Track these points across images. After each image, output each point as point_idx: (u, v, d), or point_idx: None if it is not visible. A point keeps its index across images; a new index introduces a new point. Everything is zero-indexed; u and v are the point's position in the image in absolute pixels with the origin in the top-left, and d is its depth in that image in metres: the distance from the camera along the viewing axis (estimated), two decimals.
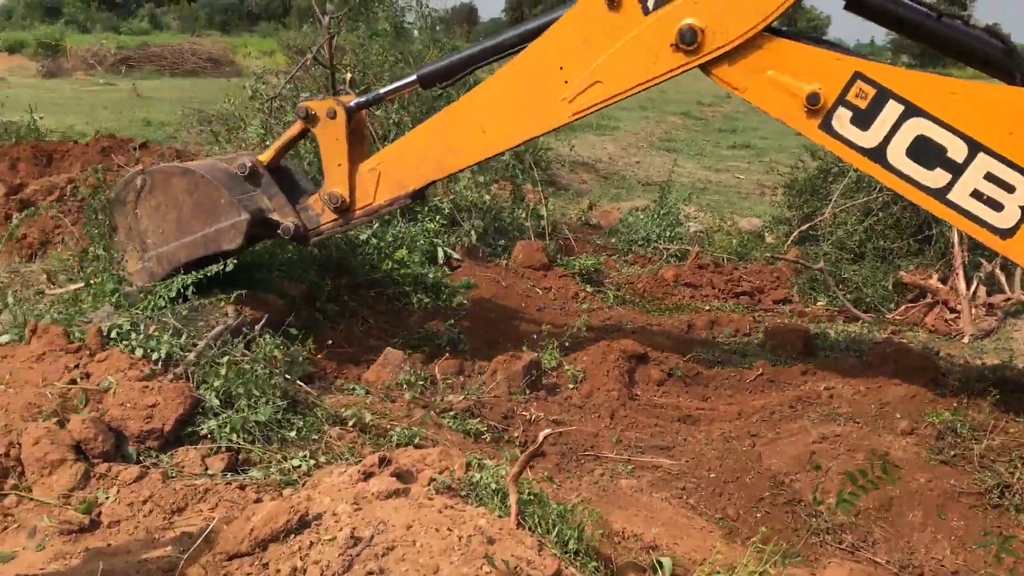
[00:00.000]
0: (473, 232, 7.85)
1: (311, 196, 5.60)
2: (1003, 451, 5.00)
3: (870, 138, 4.62)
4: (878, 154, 4.64)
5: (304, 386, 4.59)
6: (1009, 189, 4.43)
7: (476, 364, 6.00)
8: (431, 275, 6.86)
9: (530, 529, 3.18)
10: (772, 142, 20.33)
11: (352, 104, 5.41)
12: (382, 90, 5.57)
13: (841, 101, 4.60)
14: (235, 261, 5.19)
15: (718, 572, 3.16)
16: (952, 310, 7.70)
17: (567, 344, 6.29)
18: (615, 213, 11.31)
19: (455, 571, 2.72)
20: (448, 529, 2.97)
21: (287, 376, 4.45)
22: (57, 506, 3.44)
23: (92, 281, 5.33)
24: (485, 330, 6.63)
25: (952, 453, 5.05)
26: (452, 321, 6.46)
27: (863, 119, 4.60)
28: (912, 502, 4.70)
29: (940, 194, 4.57)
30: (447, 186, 8.34)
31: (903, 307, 7.91)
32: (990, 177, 4.45)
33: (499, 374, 5.69)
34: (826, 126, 4.67)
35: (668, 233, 9.61)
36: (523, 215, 8.92)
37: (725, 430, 5.53)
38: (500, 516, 3.24)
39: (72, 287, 5.81)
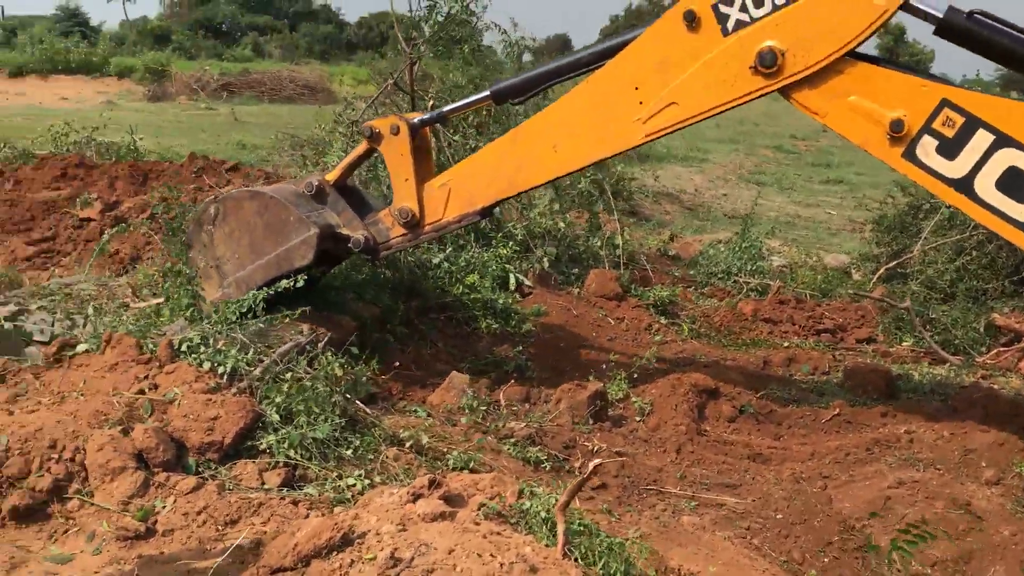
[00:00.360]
0: (546, 259, 7.82)
1: (381, 211, 5.65)
2: None
3: (957, 168, 4.41)
4: (965, 185, 4.42)
5: (362, 406, 4.60)
6: None
7: (542, 392, 5.95)
8: (501, 301, 6.84)
9: (576, 560, 3.10)
10: (867, 178, 19.80)
11: (416, 121, 5.45)
12: (446, 108, 5.63)
13: (927, 129, 4.41)
14: (305, 277, 5.25)
15: None
16: None
17: (636, 375, 6.18)
18: (696, 245, 11.15)
19: None
20: (491, 555, 2.92)
21: (347, 395, 4.47)
22: (116, 512, 3.52)
23: (170, 296, 5.48)
24: (553, 358, 6.58)
25: None
26: (520, 348, 6.43)
27: (950, 148, 4.39)
28: (994, 556, 4.46)
29: None
30: (521, 212, 8.35)
31: (995, 351, 7.54)
32: None
33: (563, 403, 5.62)
34: (910, 155, 4.49)
35: (749, 267, 9.40)
36: (598, 243, 8.85)
37: (796, 470, 5.34)
38: (547, 545, 3.18)
39: (154, 301, 5.99)
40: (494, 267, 7.01)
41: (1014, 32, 4.38)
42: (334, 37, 66.91)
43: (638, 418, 5.77)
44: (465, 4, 7.38)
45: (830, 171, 21.76)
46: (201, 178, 10.85)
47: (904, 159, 4.51)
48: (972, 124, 4.33)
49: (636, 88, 4.87)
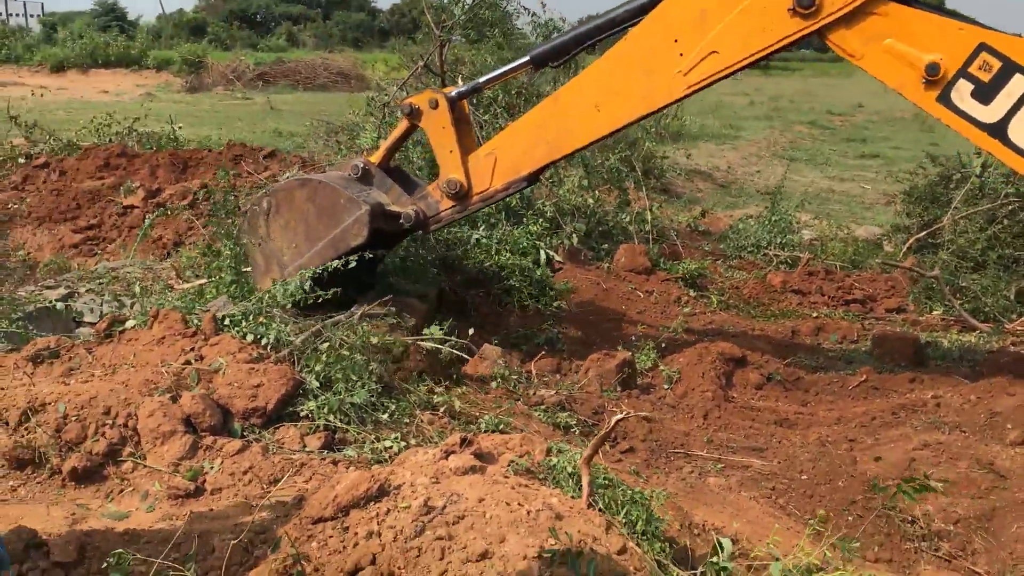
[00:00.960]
0: (575, 235, 7.95)
1: (429, 186, 5.74)
2: None
3: (991, 113, 4.47)
4: (999, 130, 4.47)
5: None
6: None
7: (573, 363, 6.11)
8: (537, 273, 6.92)
9: (600, 510, 3.26)
10: (903, 152, 19.61)
11: (453, 93, 5.52)
12: (482, 79, 5.68)
13: (963, 73, 4.46)
14: (355, 259, 5.32)
15: (776, 553, 3.15)
16: None
17: (664, 345, 6.32)
18: (727, 221, 11.22)
19: (520, 541, 2.84)
20: (519, 504, 3.09)
21: (383, 362, 4.66)
22: (167, 473, 3.73)
23: (213, 275, 5.71)
24: (584, 331, 6.73)
25: None
26: (551, 321, 6.59)
27: (985, 93, 4.45)
28: (1017, 512, 4.53)
29: None
30: (551, 189, 8.48)
31: None
32: None
33: (592, 371, 5.78)
34: (944, 99, 4.54)
35: (779, 240, 9.47)
36: (627, 219, 8.97)
37: (822, 434, 5.45)
38: (573, 497, 3.34)
39: (198, 282, 6.23)
40: (524, 243, 7.15)
41: None
42: (367, 25, 67.21)
43: (666, 386, 5.92)
44: None
45: (865, 146, 21.56)
46: (239, 164, 11.11)
47: (939, 103, 4.55)
48: (1009, 69, 4.37)
49: (675, 40, 4.90)
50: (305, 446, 4.05)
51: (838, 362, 6.61)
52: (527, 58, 5.49)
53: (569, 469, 3.59)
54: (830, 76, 60.62)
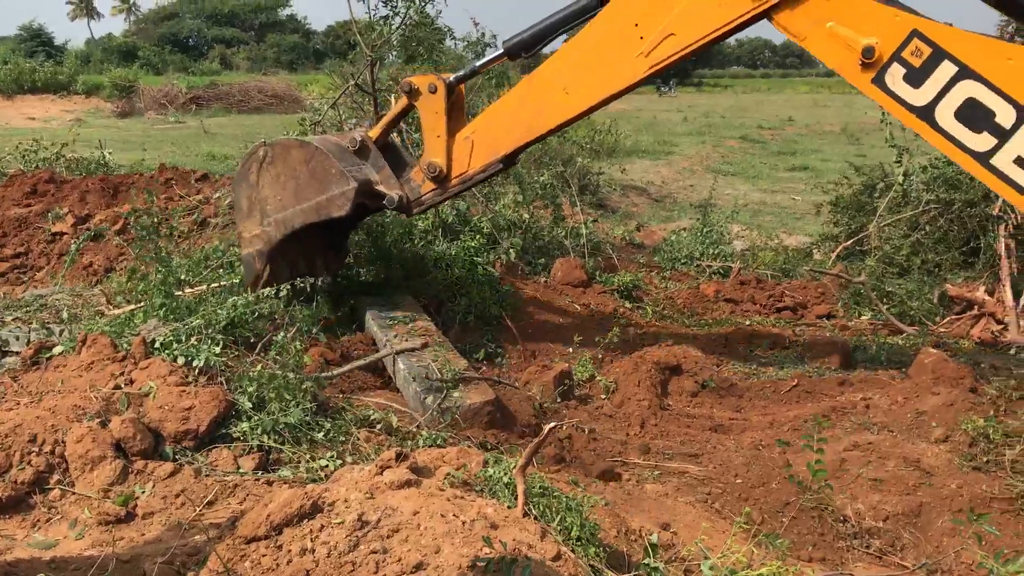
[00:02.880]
0: (512, 250, 8.00)
1: (413, 169, 6.01)
2: None
3: (921, 96, 4.66)
4: (927, 113, 4.67)
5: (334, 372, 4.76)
6: None
7: (512, 376, 6.14)
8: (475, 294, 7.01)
9: (536, 518, 3.28)
10: (832, 164, 20.14)
11: (452, 79, 5.80)
12: (477, 63, 6.00)
13: (896, 57, 4.67)
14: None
15: (706, 551, 3.21)
16: (999, 322, 7.59)
17: (601, 356, 6.39)
18: (661, 234, 11.39)
19: (455, 551, 2.85)
20: (454, 515, 3.10)
21: (318, 380, 4.64)
22: (97, 499, 3.67)
23: (142, 298, 5.63)
24: (522, 344, 6.76)
25: (985, 459, 5.02)
26: (490, 335, 6.62)
27: (916, 77, 4.65)
28: (942, 508, 4.66)
29: (983, 158, 4.59)
30: (487, 205, 8.53)
31: (948, 319, 7.81)
32: None
33: (531, 384, 5.82)
34: (879, 81, 4.75)
35: (712, 251, 9.65)
36: (563, 234, 9.06)
37: (756, 439, 5.54)
38: (509, 507, 3.36)
39: (129, 308, 6.13)
40: (462, 259, 7.19)
41: None
42: (301, 47, 66.90)
43: (603, 396, 5.97)
44: (420, 7, 7.55)
45: (795, 158, 22.13)
46: (171, 188, 10.96)
47: (874, 84, 4.77)
48: (938, 55, 4.58)
49: (636, 24, 5.19)
50: (239, 468, 4.01)
51: (770, 368, 6.75)
52: (502, 50, 5.78)
53: (505, 479, 3.61)
54: (761, 92, 62.02)
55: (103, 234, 9.29)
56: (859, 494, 4.79)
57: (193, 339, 4.69)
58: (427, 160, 5.87)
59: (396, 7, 7.91)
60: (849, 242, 9.49)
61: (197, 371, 4.45)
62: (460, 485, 3.55)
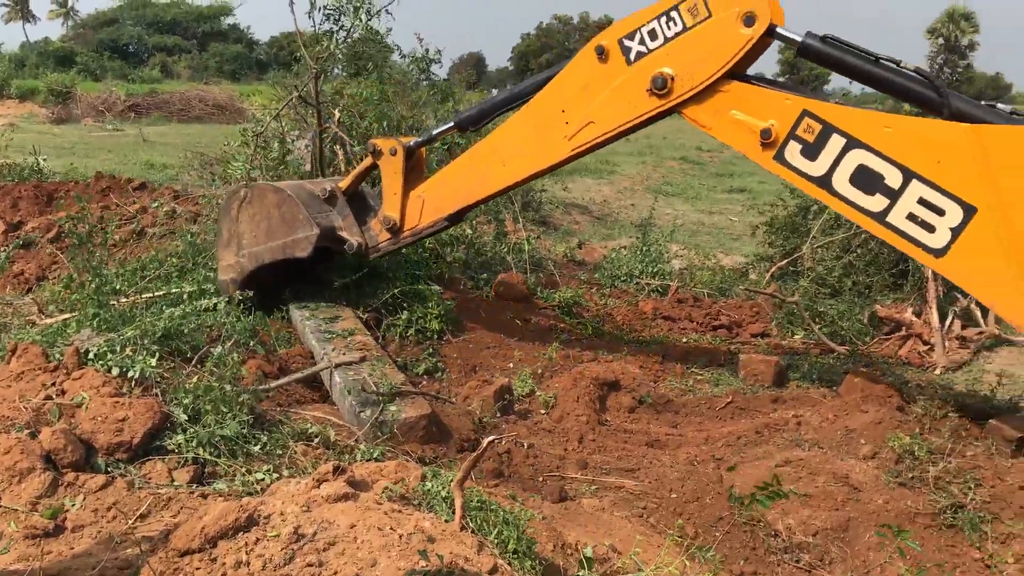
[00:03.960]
0: (454, 265, 8.03)
1: (373, 219, 6.68)
2: (958, 473, 5.11)
3: (818, 167, 5.10)
4: (825, 182, 5.11)
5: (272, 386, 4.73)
6: (940, 212, 4.82)
7: (452, 391, 6.15)
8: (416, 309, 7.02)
9: (473, 532, 3.31)
10: (768, 186, 20.51)
11: (411, 144, 6.48)
12: (435, 131, 6.66)
13: (792, 135, 5.12)
14: None
15: (640, 564, 3.27)
16: (926, 343, 7.82)
17: (541, 372, 6.44)
18: (602, 251, 11.52)
19: (391, 564, 2.86)
20: (391, 528, 3.11)
21: (255, 393, 4.61)
22: (24, 512, 3.58)
23: (76, 309, 5.53)
24: (463, 359, 6.79)
25: (910, 475, 5.16)
26: (431, 350, 6.63)
27: (811, 151, 5.09)
28: (869, 523, 4.79)
29: (880, 217, 5.01)
30: None
31: (877, 340, 8.03)
32: (923, 202, 4.86)
33: (472, 399, 5.84)
34: (779, 158, 5.20)
35: (651, 269, 9.79)
36: (505, 250, 9.12)
37: (691, 454, 5.64)
38: (447, 520, 3.38)
39: (61, 317, 6.01)
40: (403, 274, 7.19)
41: (859, 52, 5.11)
42: (244, 57, 66.20)
43: (543, 411, 6.02)
44: (366, 23, 7.58)
45: (733, 180, 22.56)
46: (108, 197, 10.78)
47: (775, 161, 5.24)
48: (828, 130, 5.04)
49: (563, 111, 5.78)
50: (173, 480, 3.96)
51: (706, 385, 6.87)
52: (452, 123, 6.50)
53: (443, 493, 3.63)
54: None
55: (35, 242, 9.09)
56: (790, 509, 4.89)
57: (128, 350, 4.62)
58: (384, 213, 6.55)
59: (340, 21, 7.91)
60: (783, 263, 9.71)
61: (132, 382, 4.39)
62: (398, 499, 3.56)
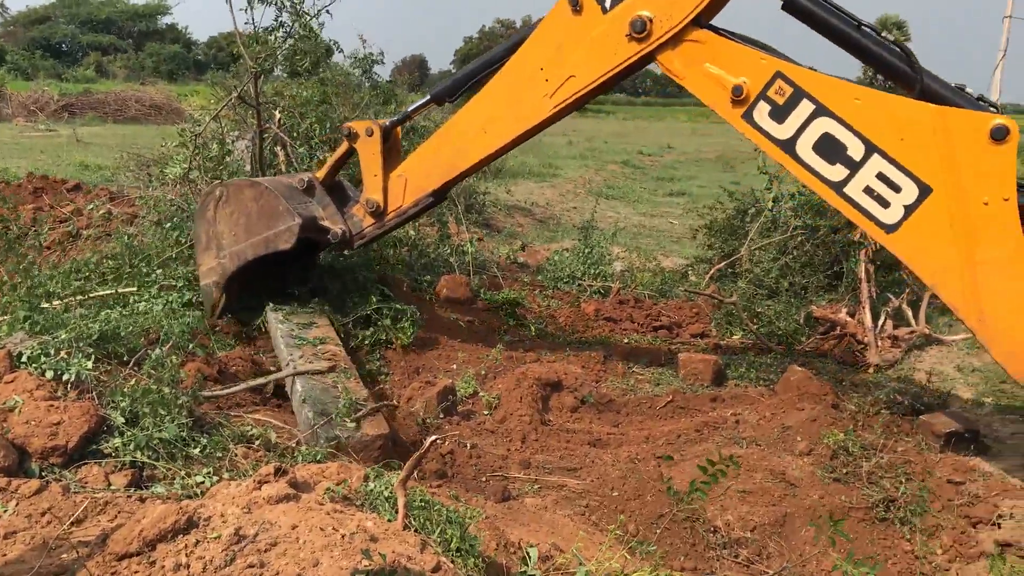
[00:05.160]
0: (397, 266, 8.01)
1: (355, 205, 6.57)
2: (890, 468, 5.27)
3: (784, 131, 5.15)
4: (789, 146, 5.15)
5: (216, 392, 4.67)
6: (896, 189, 4.90)
7: (396, 393, 6.14)
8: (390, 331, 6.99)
9: (416, 531, 3.31)
10: (708, 189, 20.86)
11: (387, 124, 6.45)
12: (410, 108, 6.62)
13: (762, 96, 5.16)
14: None
15: (580, 559, 3.31)
16: (859, 342, 8.02)
17: (484, 373, 6.46)
18: (545, 253, 11.58)
19: (334, 564, 2.85)
20: (333, 529, 3.10)
21: (195, 395, 4.55)
22: None
23: (7, 309, 5.40)
24: (406, 360, 6.78)
25: (844, 471, 5.31)
26: (376, 352, 6.61)
27: (779, 113, 5.14)
28: (805, 517, 4.90)
29: (838, 187, 5.06)
30: None
31: (813, 339, 8.21)
32: (881, 176, 4.93)
33: (415, 400, 5.83)
34: (748, 116, 5.24)
35: (593, 271, 9.88)
36: (448, 252, 9.12)
37: (632, 452, 5.70)
38: (390, 520, 3.38)
39: None
40: (347, 276, 7.16)
41: (843, 14, 5.17)
42: (182, 57, 65.09)
43: (486, 412, 6.04)
44: (305, 22, 7.53)
45: (673, 184, 22.87)
46: (40, 198, 10.52)
47: (743, 120, 5.26)
48: (798, 94, 5.08)
49: (541, 69, 5.78)
50: (110, 484, 3.89)
51: (647, 384, 6.96)
52: (428, 98, 6.44)
53: (386, 493, 3.63)
54: (642, 119, 63.74)
55: None
56: (729, 506, 4.99)
57: (63, 352, 4.52)
58: (366, 197, 6.44)
59: (279, 19, 7.84)
60: (722, 264, 9.87)
61: (67, 385, 4.30)
62: (340, 500, 3.55)
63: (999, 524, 4.69)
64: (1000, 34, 24.26)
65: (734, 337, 8.39)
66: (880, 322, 8.12)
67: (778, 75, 5.11)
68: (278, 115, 7.94)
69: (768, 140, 5.22)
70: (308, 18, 7.46)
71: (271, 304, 6.65)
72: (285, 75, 11.18)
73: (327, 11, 7.57)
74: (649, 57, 5.50)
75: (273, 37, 7.42)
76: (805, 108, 5.07)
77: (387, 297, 7.07)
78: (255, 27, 7.42)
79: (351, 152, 6.50)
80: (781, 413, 6.15)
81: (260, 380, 5.34)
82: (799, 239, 9.38)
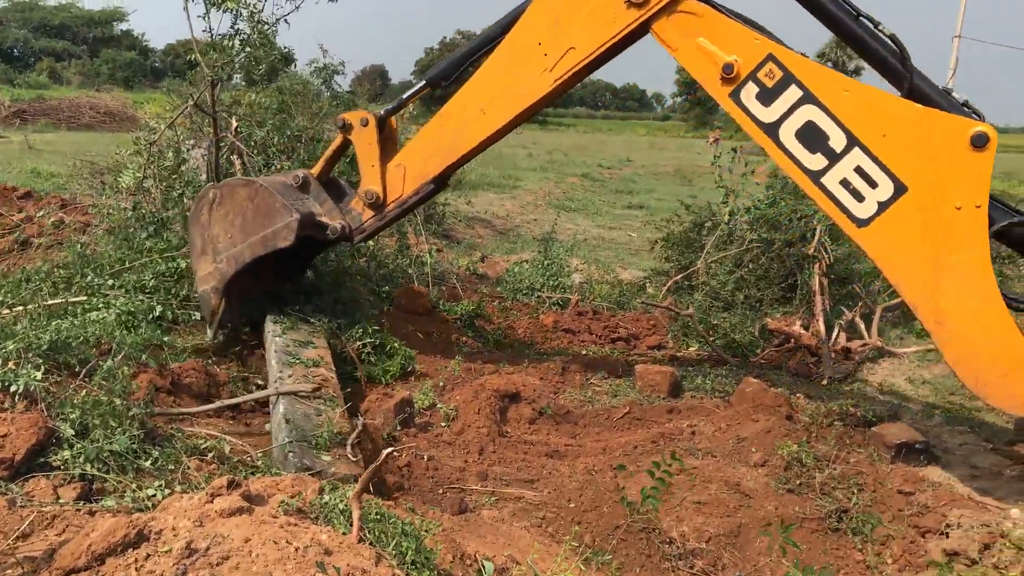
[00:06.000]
0: (355, 276, 7.96)
1: (353, 199, 6.35)
2: (842, 479, 5.34)
3: (769, 114, 5.18)
4: (772, 130, 5.18)
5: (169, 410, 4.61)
6: (872, 184, 4.95)
7: (352, 403, 6.09)
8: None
9: (371, 544, 3.29)
10: (666, 202, 21.04)
11: (382, 113, 6.36)
12: (405, 95, 6.51)
13: (752, 76, 5.19)
14: None
15: (536, 571, 3.31)
16: (813, 354, 8.14)
17: (442, 385, 6.44)
18: (504, 265, 11.60)
19: None
20: (287, 542, 3.06)
21: (146, 408, 4.48)
22: None
23: None
24: (362, 371, 6.72)
25: (798, 482, 5.36)
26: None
27: (767, 96, 5.17)
28: (760, 528, 4.94)
29: (815, 176, 5.11)
30: None
31: (768, 351, 8.31)
32: (859, 170, 4.98)
33: (372, 412, 5.80)
34: (735, 95, 5.26)
35: (552, 282, 9.92)
36: (407, 262, 9.10)
37: (589, 464, 5.71)
38: (344, 533, 3.35)
39: None
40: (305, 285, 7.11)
41: (843, 2, 5.21)
42: (138, 64, 64.29)
43: (444, 423, 6.01)
44: (262, 29, 7.47)
45: (632, 197, 23.06)
46: None
47: (730, 98, 5.28)
48: (787, 79, 5.11)
49: (539, 44, 5.76)
50: (59, 498, 3.81)
51: (604, 396, 6.98)
52: (423, 82, 6.37)
53: (341, 506, 3.59)
54: (602, 132, 64.27)
55: None
56: (684, 516, 5.02)
57: (11, 363, 4.43)
58: (364, 188, 6.30)
59: (237, 27, 7.78)
60: (679, 277, 9.96)
61: (15, 397, 4.21)
62: (295, 512, 3.51)
63: (947, 534, 4.77)
64: (950, 52, 24.85)
65: (691, 349, 8.46)
66: (834, 334, 8.24)
67: (770, 58, 5.13)
68: (235, 123, 7.87)
69: (752, 122, 5.24)
70: (265, 26, 7.40)
71: (270, 316, 6.47)
72: (243, 83, 11.10)
73: (285, 20, 7.53)
74: (646, 26, 5.50)
75: (230, 44, 7.35)
76: (793, 94, 5.09)
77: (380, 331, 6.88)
78: (212, 34, 7.35)
79: (346, 144, 6.40)
80: (736, 424, 6.20)
81: (242, 398, 5.22)
82: (755, 252, 9.51)
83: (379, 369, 6.66)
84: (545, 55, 5.72)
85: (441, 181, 6.44)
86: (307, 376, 5.54)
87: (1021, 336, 4.90)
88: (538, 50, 5.74)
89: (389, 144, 6.38)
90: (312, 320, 6.54)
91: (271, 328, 6.28)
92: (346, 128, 6.31)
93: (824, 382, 7.61)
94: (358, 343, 6.61)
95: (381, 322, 7.08)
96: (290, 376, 5.49)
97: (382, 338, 6.81)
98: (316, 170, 6.48)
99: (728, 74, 5.20)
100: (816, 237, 9.11)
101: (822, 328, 8.13)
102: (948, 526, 4.83)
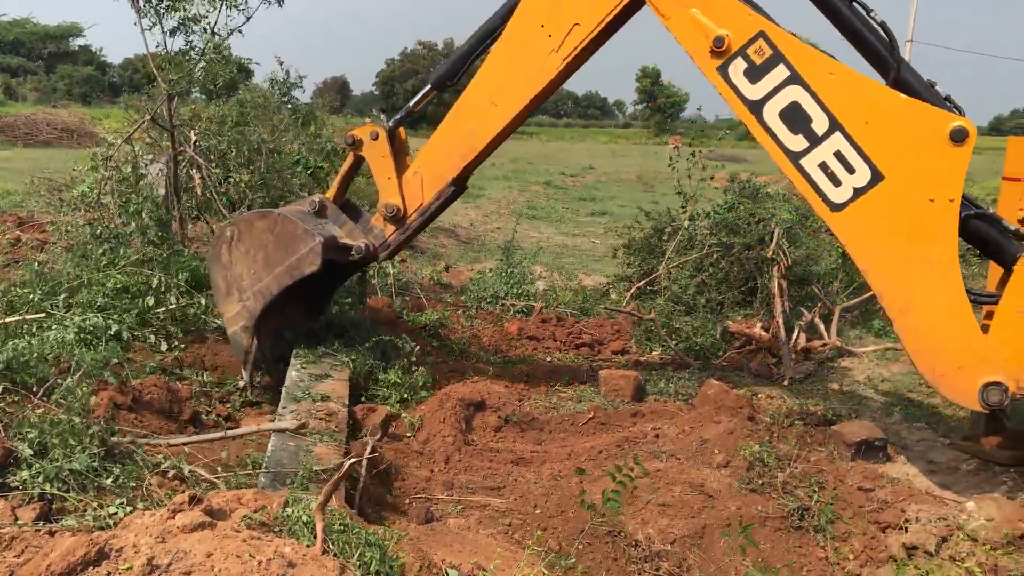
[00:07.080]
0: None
1: (373, 216, 6.40)
2: (804, 478, 5.42)
3: (755, 92, 5.23)
4: (757, 107, 5.24)
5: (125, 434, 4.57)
6: (850, 170, 5.02)
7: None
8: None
9: (335, 555, 3.29)
10: (628, 209, 21.19)
11: (390, 124, 6.31)
12: (411, 103, 6.42)
13: (741, 52, 5.23)
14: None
15: None
16: (774, 355, 8.24)
17: (407, 396, 6.44)
18: (468, 274, 11.62)
19: None
20: (250, 556, 3.06)
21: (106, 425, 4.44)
22: None
23: None
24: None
25: (760, 482, 5.43)
26: None
27: (754, 73, 5.21)
28: (723, 529, 5.00)
29: (795, 157, 5.17)
30: None
31: (729, 354, 8.40)
32: (838, 155, 5.05)
33: (360, 426, 5.78)
34: (723, 70, 5.30)
35: (515, 290, 9.96)
36: (370, 273, 9.09)
37: (555, 470, 5.75)
38: (308, 545, 3.34)
39: None
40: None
41: None
42: (96, 79, 63.52)
43: (409, 433, 6.02)
44: (217, 43, 7.45)
45: (595, 204, 23.21)
46: None
47: (718, 72, 5.31)
48: (776, 58, 5.16)
49: (542, 26, 5.75)
50: (17, 519, 3.77)
51: (569, 402, 7.03)
52: (429, 86, 6.30)
53: (304, 518, 3.59)
54: (565, 140, 64.52)
55: None
56: (649, 519, 5.06)
57: None
58: (384, 202, 6.24)
59: (191, 41, 7.75)
60: (641, 282, 10.04)
61: None
62: (257, 526, 3.50)
63: (906, 528, 4.86)
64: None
65: (653, 353, 8.54)
66: (793, 335, 8.35)
67: (761, 35, 5.17)
68: (194, 137, 7.83)
69: (737, 98, 5.28)
70: (219, 38, 7.37)
71: (296, 350, 6.37)
72: (202, 97, 11.05)
73: (239, 31, 7.48)
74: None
75: (187, 58, 7.31)
76: (780, 73, 5.14)
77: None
78: (167, 49, 7.32)
79: (359, 162, 6.35)
80: (699, 426, 6.26)
81: (233, 432, 5.11)
82: (715, 256, 9.62)
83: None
84: (550, 36, 5.72)
85: (461, 182, 6.38)
86: (312, 411, 5.40)
87: (980, 332, 5.01)
88: (542, 32, 5.73)
89: (400, 155, 6.35)
90: (338, 355, 6.42)
91: (292, 363, 6.19)
92: (356, 144, 6.27)
93: (785, 383, 7.71)
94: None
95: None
96: (292, 411, 5.37)
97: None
98: (331, 193, 6.43)
99: (718, 47, 5.24)
100: (774, 240, 9.24)
101: (782, 329, 8.23)
102: (907, 521, 4.93)
